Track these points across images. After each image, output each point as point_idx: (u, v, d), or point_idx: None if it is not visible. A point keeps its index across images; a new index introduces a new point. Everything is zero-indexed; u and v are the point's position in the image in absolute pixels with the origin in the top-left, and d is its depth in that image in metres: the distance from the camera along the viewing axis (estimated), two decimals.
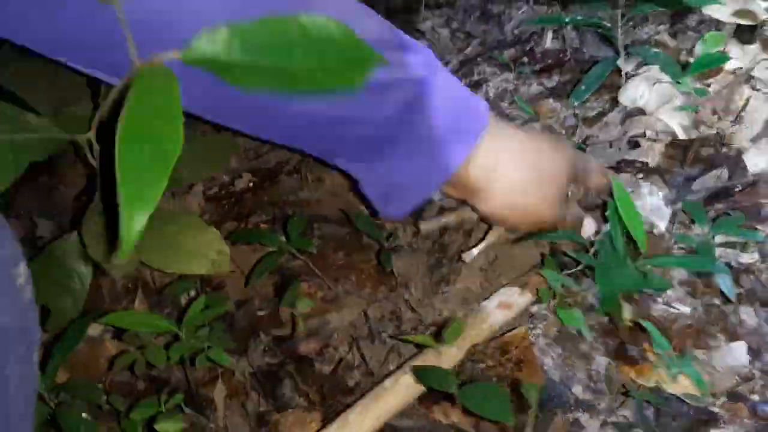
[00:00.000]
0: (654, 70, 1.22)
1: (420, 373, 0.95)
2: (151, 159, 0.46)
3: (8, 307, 0.49)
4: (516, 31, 1.60)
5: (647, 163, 1.20)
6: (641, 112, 1.22)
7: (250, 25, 0.49)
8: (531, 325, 1.04)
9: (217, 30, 0.49)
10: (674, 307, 1.02)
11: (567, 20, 1.16)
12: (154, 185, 0.46)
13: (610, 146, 1.25)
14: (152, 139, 0.47)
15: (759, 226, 1.12)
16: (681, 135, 1.14)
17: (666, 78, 1.18)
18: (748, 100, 1.29)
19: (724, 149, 1.22)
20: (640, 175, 1.20)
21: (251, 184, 1.28)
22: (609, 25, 1.21)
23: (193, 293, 1.05)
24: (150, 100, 0.48)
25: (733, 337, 1.00)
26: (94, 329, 1.07)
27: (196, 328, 0.90)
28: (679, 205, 1.11)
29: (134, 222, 0.44)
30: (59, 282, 1.00)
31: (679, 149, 1.22)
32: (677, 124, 1.14)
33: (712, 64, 1.18)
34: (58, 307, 0.99)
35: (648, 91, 1.19)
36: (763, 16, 1.29)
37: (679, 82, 1.14)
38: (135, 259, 0.96)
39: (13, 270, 0.51)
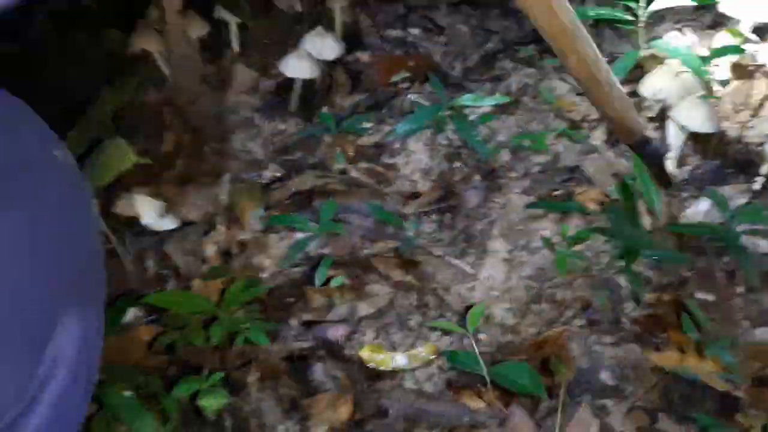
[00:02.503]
0: (674, 63, 1.24)
1: (450, 356, 0.99)
2: None
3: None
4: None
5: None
6: (663, 105, 1.24)
7: None
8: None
9: None
10: (697, 297, 1.05)
11: (592, 15, 1.18)
12: None
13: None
14: None
15: None
16: (702, 128, 1.16)
17: (687, 71, 1.20)
18: (766, 94, 1.31)
19: (744, 142, 1.25)
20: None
21: (279, 175, 1.30)
22: (630, 18, 1.23)
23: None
24: None
25: (756, 323, 1.02)
26: (127, 316, 1.08)
27: (233, 311, 0.92)
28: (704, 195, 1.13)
29: None
30: None
31: (700, 142, 1.24)
32: (698, 116, 1.16)
33: (727, 54, 1.21)
34: None
35: (669, 83, 1.21)
36: None
37: (700, 74, 1.17)
38: None
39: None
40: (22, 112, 0.48)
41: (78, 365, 0.40)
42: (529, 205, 1.15)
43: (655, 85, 1.21)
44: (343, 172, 1.30)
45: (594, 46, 0.96)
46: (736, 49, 1.22)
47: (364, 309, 1.10)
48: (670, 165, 1.21)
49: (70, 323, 0.39)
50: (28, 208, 0.41)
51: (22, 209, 0.41)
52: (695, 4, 1.33)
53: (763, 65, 1.32)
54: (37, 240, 0.40)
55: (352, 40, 1.58)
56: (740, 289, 1.05)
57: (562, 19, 0.93)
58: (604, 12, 1.19)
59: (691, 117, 1.15)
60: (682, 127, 1.18)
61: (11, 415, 0.35)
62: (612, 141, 1.28)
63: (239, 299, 0.91)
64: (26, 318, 0.37)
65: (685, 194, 1.18)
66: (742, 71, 1.32)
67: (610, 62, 1.42)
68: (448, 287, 1.13)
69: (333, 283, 1.05)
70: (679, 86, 1.21)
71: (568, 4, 0.93)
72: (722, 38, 1.27)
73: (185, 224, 1.20)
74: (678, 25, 1.52)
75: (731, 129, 1.26)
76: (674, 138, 1.21)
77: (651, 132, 1.26)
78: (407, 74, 1.52)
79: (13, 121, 0.47)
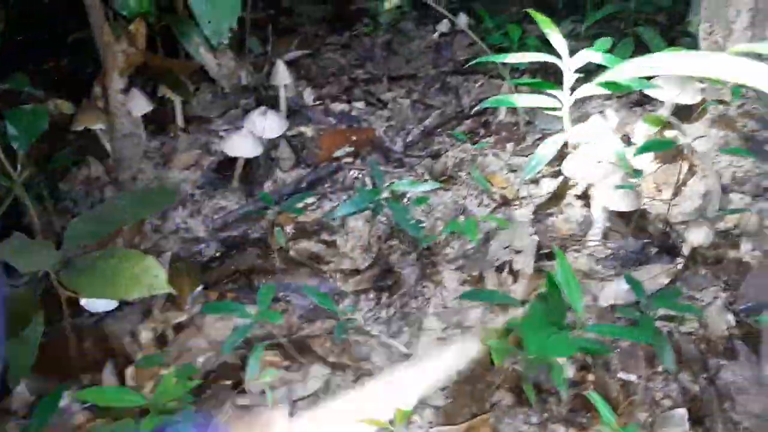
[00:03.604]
0: (597, 145, 1.30)
1: None
2: None
3: None
4: (473, 103, 1.69)
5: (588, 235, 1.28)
6: (587, 184, 1.30)
7: None
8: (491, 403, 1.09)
9: None
10: (620, 377, 1.09)
11: (517, 102, 1.25)
12: None
13: (555, 217, 1.33)
14: None
15: (698, 295, 1.20)
16: (621, 207, 1.22)
17: (608, 155, 1.26)
18: (687, 175, 1.39)
19: (667, 220, 1.31)
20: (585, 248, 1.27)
21: (218, 253, 1.32)
22: (557, 105, 1.29)
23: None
24: None
25: (675, 404, 1.06)
26: (63, 400, 1.08)
27: (166, 401, 0.93)
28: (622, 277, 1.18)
29: None
30: (14, 330, 1.02)
31: (623, 218, 1.30)
32: (618, 197, 1.22)
33: (654, 150, 1.27)
34: (14, 358, 1.02)
35: (590, 165, 1.26)
36: (700, 97, 1.40)
37: (622, 161, 1.23)
38: None
39: None
40: None
41: None
42: (462, 296, 1.18)
43: (576, 166, 1.27)
44: (284, 249, 1.32)
45: None
46: (664, 144, 1.28)
47: (299, 391, 1.12)
48: (593, 240, 1.27)
49: None
50: None
51: None
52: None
53: (683, 146, 1.40)
54: None
55: (296, 114, 1.63)
56: (660, 368, 1.09)
57: None
58: (529, 100, 1.25)
59: (611, 198, 1.21)
60: (604, 207, 1.24)
61: None
62: (539, 218, 1.33)
63: (172, 393, 0.92)
64: None
65: (610, 272, 1.23)
66: (664, 153, 1.39)
67: (540, 140, 1.50)
68: (383, 367, 1.15)
69: (264, 376, 1.05)
70: (601, 168, 1.27)
71: None
72: (643, 128, 1.34)
73: (124, 305, 1.21)
74: (606, 103, 1.60)
75: (654, 207, 1.33)
76: (597, 215, 1.27)
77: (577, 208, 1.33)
78: (350, 149, 1.56)
79: None
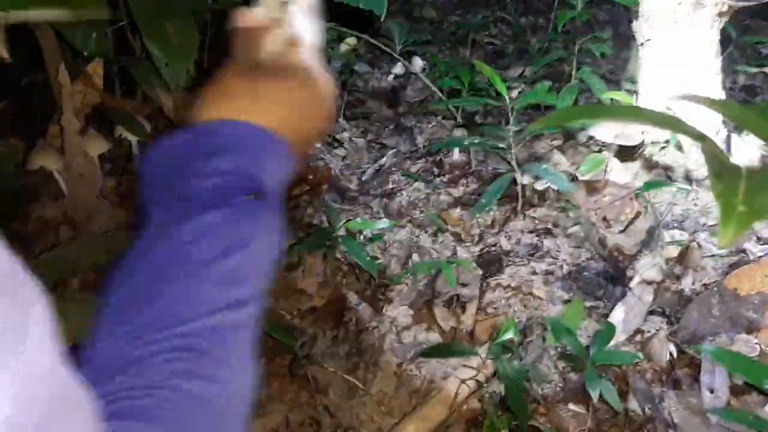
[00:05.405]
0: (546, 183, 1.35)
1: None
2: None
3: None
4: (427, 143, 1.74)
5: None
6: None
7: None
8: None
9: None
10: (570, 407, 1.12)
11: (466, 143, 1.30)
12: None
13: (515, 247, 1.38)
14: None
15: (643, 327, 1.25)
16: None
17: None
18: (637, 213, 1.45)
19: (615, 255, 1.37)
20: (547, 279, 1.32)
21: None
22: (504, 146, 1.35)
23: None
24: None
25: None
26: None
27: None
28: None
29: None
30: None
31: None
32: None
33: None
34: None
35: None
36: (640, 139, 1.47)
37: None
38: None
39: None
40: None
41: None
42: (422, 353, 1.20)
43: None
44: None
45: None
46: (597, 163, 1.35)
47: (258, 428, 1.12)
48: None
49: None
50: None
51: None
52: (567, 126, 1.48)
53: (630, 185, 1.46)
54: None
55: None
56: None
57: None
58: (477, 140, 1.30)
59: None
60: None
61: None
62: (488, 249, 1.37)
63: None
64: None
65: (566, 296, 1.27)
66: (617, 190, 1.45)
67: (493, 178, 1.55)
68: (339, 404, 1.17)
69: None
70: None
71: None
72: (587, 164, 1.40)
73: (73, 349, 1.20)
74: (554, 143, 1.67)
75: (606, 238, 1.39)
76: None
77: None
78: (307, 187, 1.59)
79: None
